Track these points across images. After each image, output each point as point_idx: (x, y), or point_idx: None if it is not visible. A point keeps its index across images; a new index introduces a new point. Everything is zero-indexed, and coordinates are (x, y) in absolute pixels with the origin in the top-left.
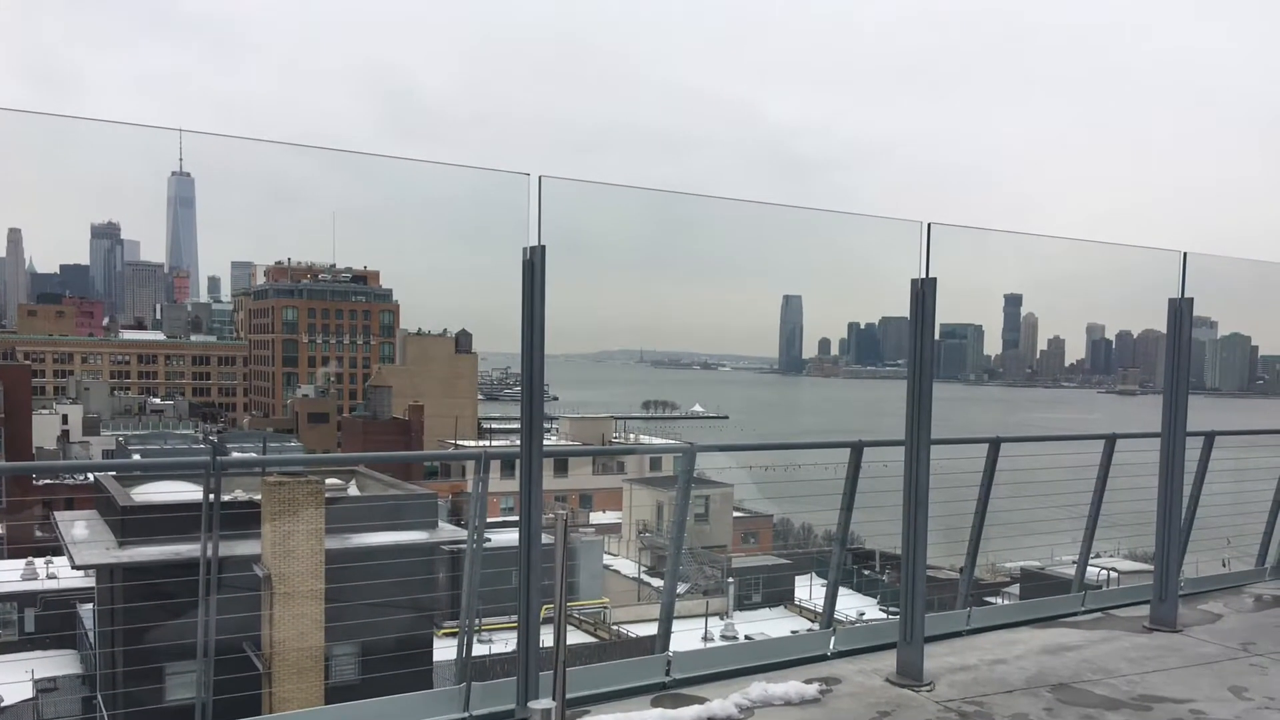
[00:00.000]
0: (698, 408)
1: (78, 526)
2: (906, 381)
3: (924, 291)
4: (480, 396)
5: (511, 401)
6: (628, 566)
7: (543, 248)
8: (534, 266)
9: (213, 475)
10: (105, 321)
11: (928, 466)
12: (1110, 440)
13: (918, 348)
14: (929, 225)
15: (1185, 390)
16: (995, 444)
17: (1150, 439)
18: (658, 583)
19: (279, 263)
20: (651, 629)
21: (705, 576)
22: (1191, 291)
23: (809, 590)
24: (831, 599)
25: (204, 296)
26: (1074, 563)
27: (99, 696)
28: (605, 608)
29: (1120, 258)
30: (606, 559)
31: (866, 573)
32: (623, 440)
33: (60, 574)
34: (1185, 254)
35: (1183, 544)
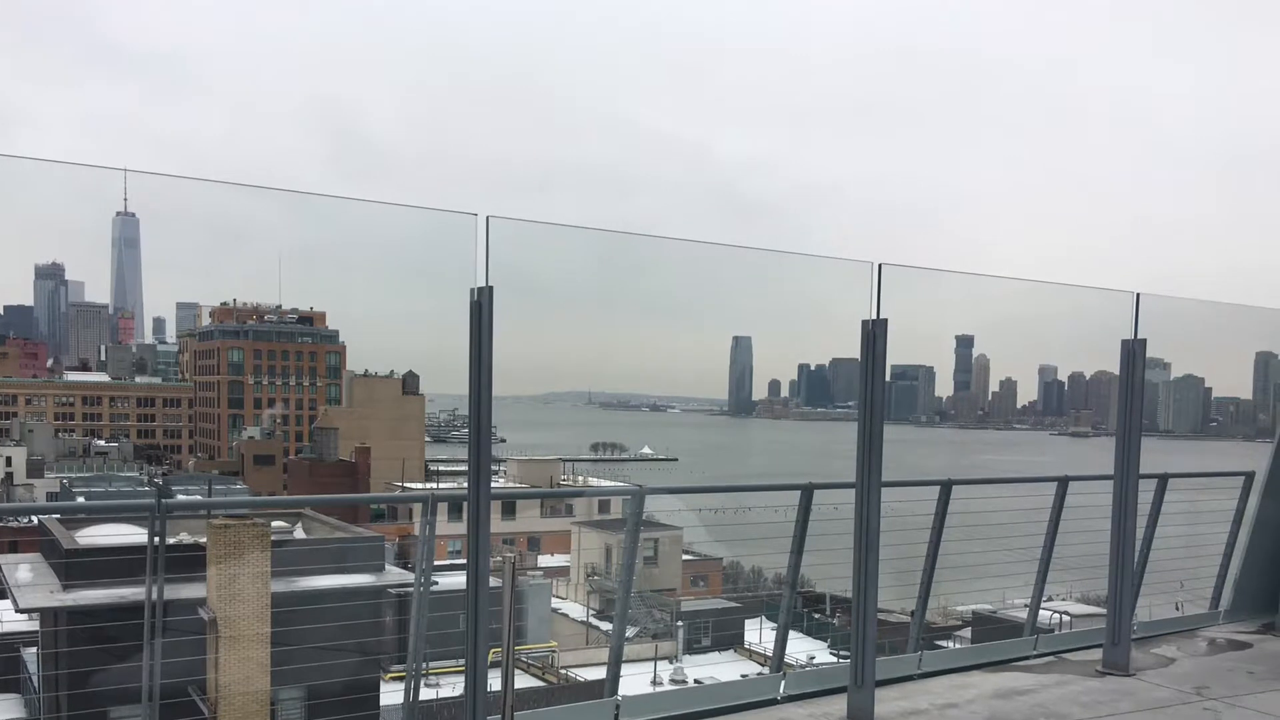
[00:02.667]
0: (646, 450)
1: (21, 570)
2: (857, 423)
3: (875, 333)
4: (428, 438)
5: (459, 443)
6: (576, 609)
7: (490, 288)
8: (481, 307)
9: (158, 518)
10: (49, 363)
11: (879, 509)
12: (1062, 483)
13: (868, 389)
14: (880, 266)
15: (1138, 432)
16: (946, 486)
17: (1103, 481)
18: (606, 626)
19: (224, 304)
20: (600, 672)
21: (654, 620)
22: (1145, 333)
23: (759, 634)
24: (781, 642)
25: (149, 338)
26: (1026, 606)
27: None
28: (553, 651)
29: (1073, 299)
30: (555, 602)
31: (817, 616)
32: (571, 483)
33: (3, 618)
34: (1138, 295)
35: (1135, 587)
